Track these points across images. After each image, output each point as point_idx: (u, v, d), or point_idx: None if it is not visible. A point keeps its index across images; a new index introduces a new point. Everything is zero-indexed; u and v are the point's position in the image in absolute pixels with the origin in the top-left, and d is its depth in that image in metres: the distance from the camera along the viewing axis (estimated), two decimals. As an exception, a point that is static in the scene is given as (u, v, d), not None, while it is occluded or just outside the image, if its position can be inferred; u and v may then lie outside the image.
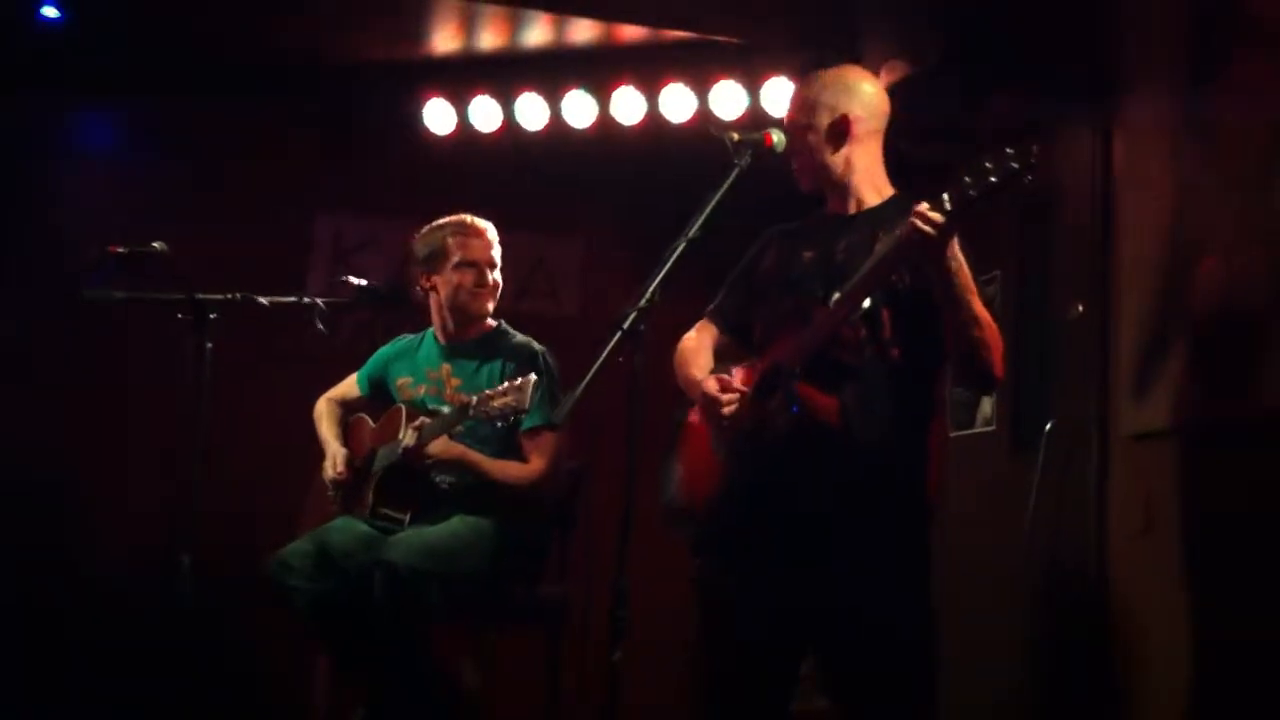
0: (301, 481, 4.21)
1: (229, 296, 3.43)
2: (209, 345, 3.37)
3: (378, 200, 5.60)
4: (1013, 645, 4.21)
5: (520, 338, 4.09)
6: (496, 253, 4.08)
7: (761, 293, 3.16)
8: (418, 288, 4.10)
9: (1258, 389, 3.20)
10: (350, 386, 4.27)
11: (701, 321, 3.29)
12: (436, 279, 4.05)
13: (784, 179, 3.16)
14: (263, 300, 3.53)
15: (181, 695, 3.31)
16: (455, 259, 4.03)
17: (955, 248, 2.79)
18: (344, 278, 3.88)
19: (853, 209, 3.08)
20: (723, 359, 3.20)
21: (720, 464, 3.06)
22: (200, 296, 3.39)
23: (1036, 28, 4.08)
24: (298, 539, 3.82)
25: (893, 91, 3.30)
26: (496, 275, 4.08)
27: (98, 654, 4.90)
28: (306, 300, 3.70)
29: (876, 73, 4.24)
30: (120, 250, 3.47)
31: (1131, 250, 3.86)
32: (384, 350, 4.24)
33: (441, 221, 4.09)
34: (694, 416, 3.17)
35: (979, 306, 2.84)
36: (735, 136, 3.05)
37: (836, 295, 2.88)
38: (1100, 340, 3.97)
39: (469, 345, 4.08)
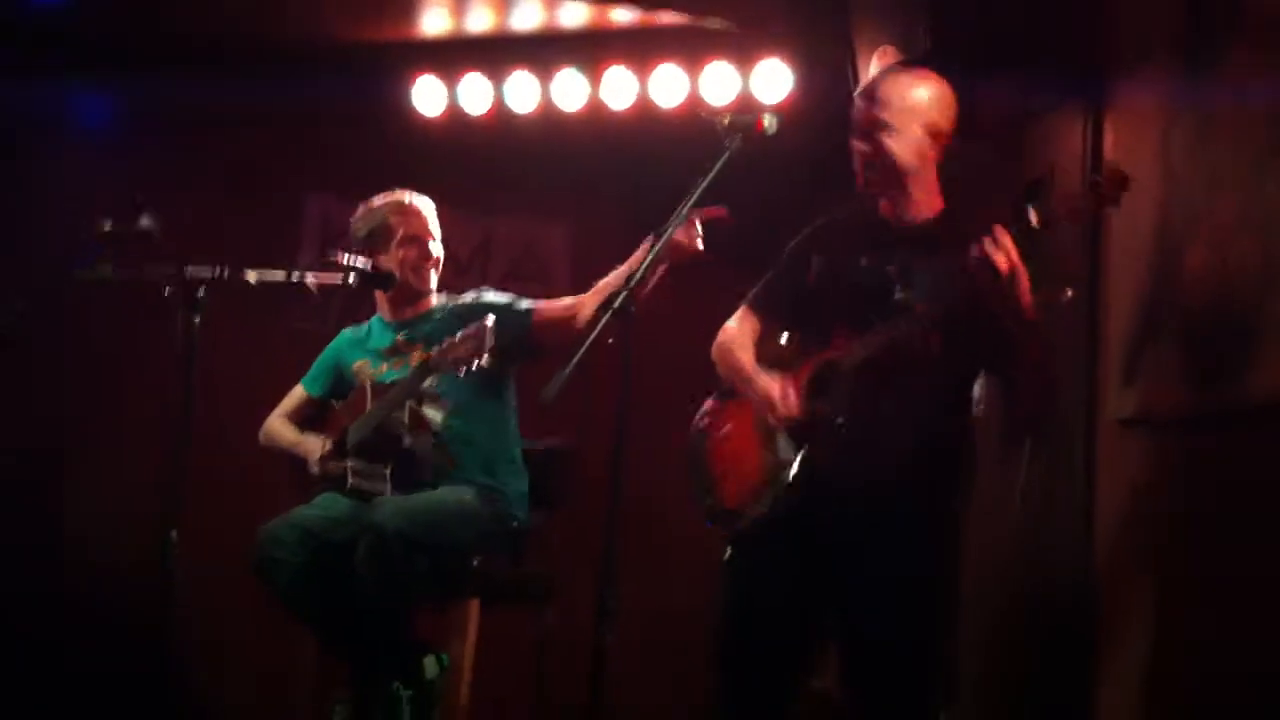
0: (289, 457, 4.21)
1: (217, 272, 3.42)
2: (197, 321, 3.36)
3: (367, 180, 5.54)
4: (998, 629, 4.22)
5: (467, 295, 4.15)
6: (436, 227, 4.14)
7: (812, 294, 3.16)
8: None
9: (1248, 378, 3.20)
10: (296, 398, 4.26)
11: (742, 310, 3.29)
12: (381, 257, 4.07)
13: (775, 167, 3.16)
14: (251, 276, 3.52)
15: (166, 670, 3.30)
16: (399, 234, 4.09)
17: (1024, 287, 2.78)
18: (333, 256, 3.87)
19: (911, 218, 3.09)
20: (767, 355, 3.21)
21: (761, 458, 3.07)
22: (189, 272, 3.38)
23: (1030, 13, 4.08)
24: (282, 515, 3.82)
25: (884, 77, 3.29)
26: (438, 248, 4.14)
27: (85, 627, 4.90)
28: (295, 277, 3.69)
29: (869, 58, 4.25)
30: (108, 228, 3.46)
31: (1122, 237, 3.86)
32: (330, 346, 4.27)
33: (379, 201, 4.17)
34: (710, 404, 3.18)
35: (1044, 348, 2.90)
36: (726, 120, 3.05)
37: (917, 307, 2.90)
38: (1090, 326, 3.97)
39: (418, 319, 4.13)
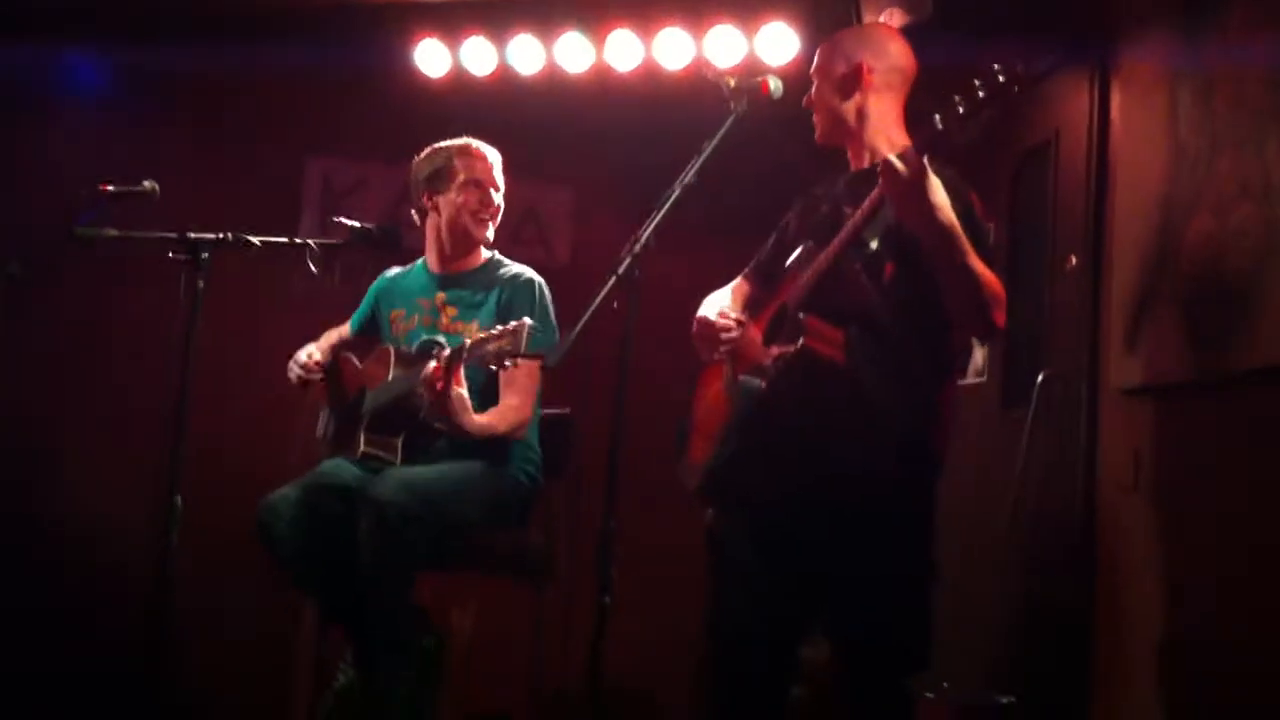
0: (294, 423, 4.20)
1: (220, 236, 3.40)
2: (201, 285, 3.35)
3: (369, 143, 5.56)
4: (1000, 597, 4.23)
5: (516, 267, 4.06)
6: (500, 177, 4.06)
7: (787, 249, 3.16)
8: (416, 210, 4.09)
9: (1249, 344, 3.20)
10: (344, 329, 4.27)
11: (737, 280, 3.33)
12: (440, 199, 4.02)
13: (785, 132, 3.16)
14: (254, 240, 3.50)
15: (168, 640, 3.31)
16: (460, 178, 4.01)
17: (934, 198, 2.75)
18: (337, 219, 3.84)
19: (867, 161, 3.08)
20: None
21: (728, 407, 3.06)
22: (192, 235, 3.37)
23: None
24: (287, 483, 3.81)
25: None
26: (499, 199, 4.06)
27: (82, 601, 4.90)
28: (298, 241, 3.67)
29: (875, 20, 4.22)
30: (111, 189, 3.44)
31: (1126, 203, 3.85)
32: (374, 286, 4.22)
33: (446, 143, 4.07)
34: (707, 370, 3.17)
35: (971, 261, 2.81)
36: (731, 82, 3.05)
37: (854, 227, 2.89)
38: (1093, 293, 3.97)
39: (464, 275, 4.06)
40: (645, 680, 4.87)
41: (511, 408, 3.85)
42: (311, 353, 4.11)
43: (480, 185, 4.01)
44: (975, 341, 4.46)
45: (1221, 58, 3.42)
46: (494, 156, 4.06)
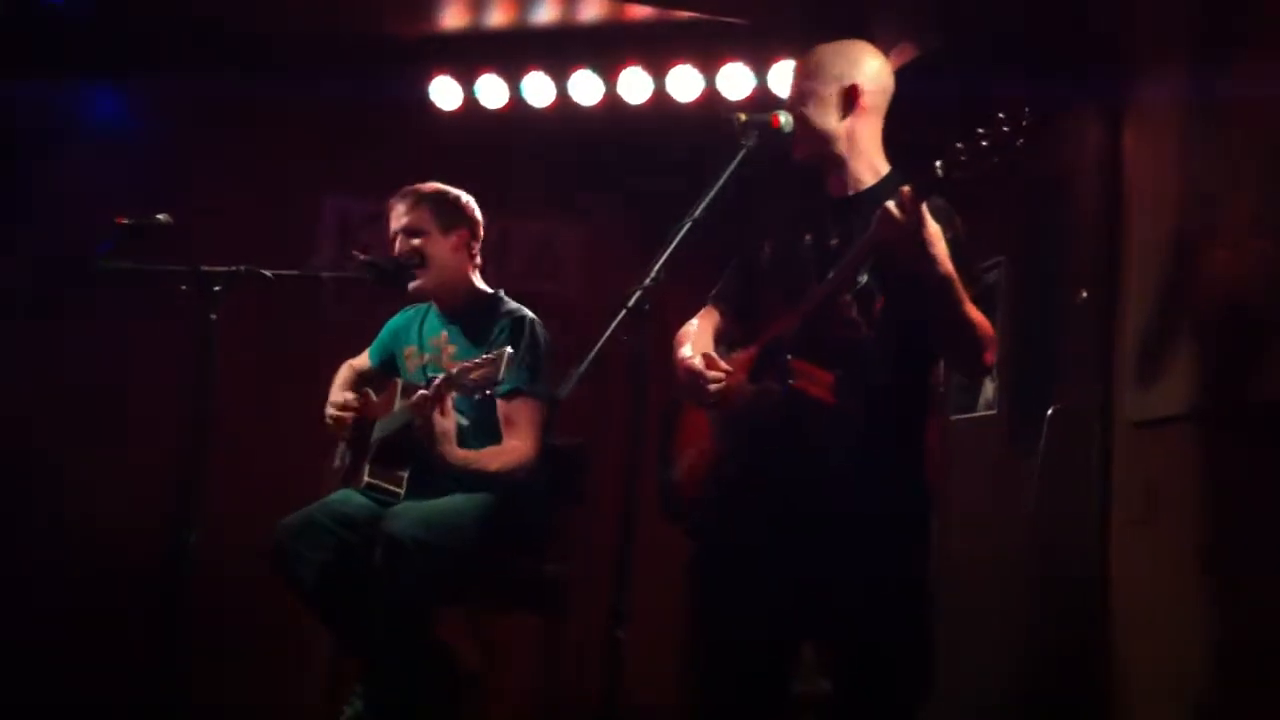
0: (306, 453, 4.22)
1: (234, 269, 3.42)
2: (213, 318, 3.36)
3: (383, 177, 5.57)
4: (1012, 631, 4.21)
5: (512, 305, 4.09)
6: (403, 219, 4.06)
7: (762, 277, 3.15)
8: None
9: (1263, 378, 3.19)
10: (364, 358, 4.30)
11: (705, 309, 3.27)
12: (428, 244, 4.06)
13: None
14: (268, 274, 3.52)
15: (183, 666, 3.31)
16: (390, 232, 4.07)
17: (932, 249, 2.73)
18: (351, 253, 3.86)
19: (850, 189, 3.06)
20: (728, 345, 3.18)
21: (715, 446, 3.06)
22: (205, 269, 3.39)
23: (1046, 10, 4.07)
24: (300, 511, 3.82)
25: (901, 74, 3.29)
26: (412, 241, 4.03)
27: (94, 631, 4.91)
28: (311, 275, 3.69)
29: (886, 54, 4.24)
30: (126, 221, 3.47)
31: (1140, 236, 3.85)
32: (391, 322, 4.26)
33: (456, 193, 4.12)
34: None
35: (965, 308, 2.80)
36: (742, 117, 3.03)
37: (829, 276, 2.88)
38: (1105, 325, 3.96)
39: (464, 315, 4.09)
40: (664, 715, 4.86)
41: (511, 449, 3.87)
42: (347, 397, 4.12)
43: (395, 237, 4.05)
44: (965, 376, 4.44)
45: (1235, 92, 3.43)
46: (394, 204, 4.07)
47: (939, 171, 2.66)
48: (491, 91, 5.39)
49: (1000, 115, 2.62)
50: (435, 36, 5.34)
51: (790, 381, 2.86)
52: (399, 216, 4.05)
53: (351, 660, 3.91)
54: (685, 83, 5.16)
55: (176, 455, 3.36)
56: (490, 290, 4.14)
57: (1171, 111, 3.71)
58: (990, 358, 2.88)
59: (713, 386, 2.99)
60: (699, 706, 3.07)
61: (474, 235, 4.12)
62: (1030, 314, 4.34)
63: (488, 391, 3.60)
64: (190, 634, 3.29)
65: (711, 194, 2.90)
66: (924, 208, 2.69)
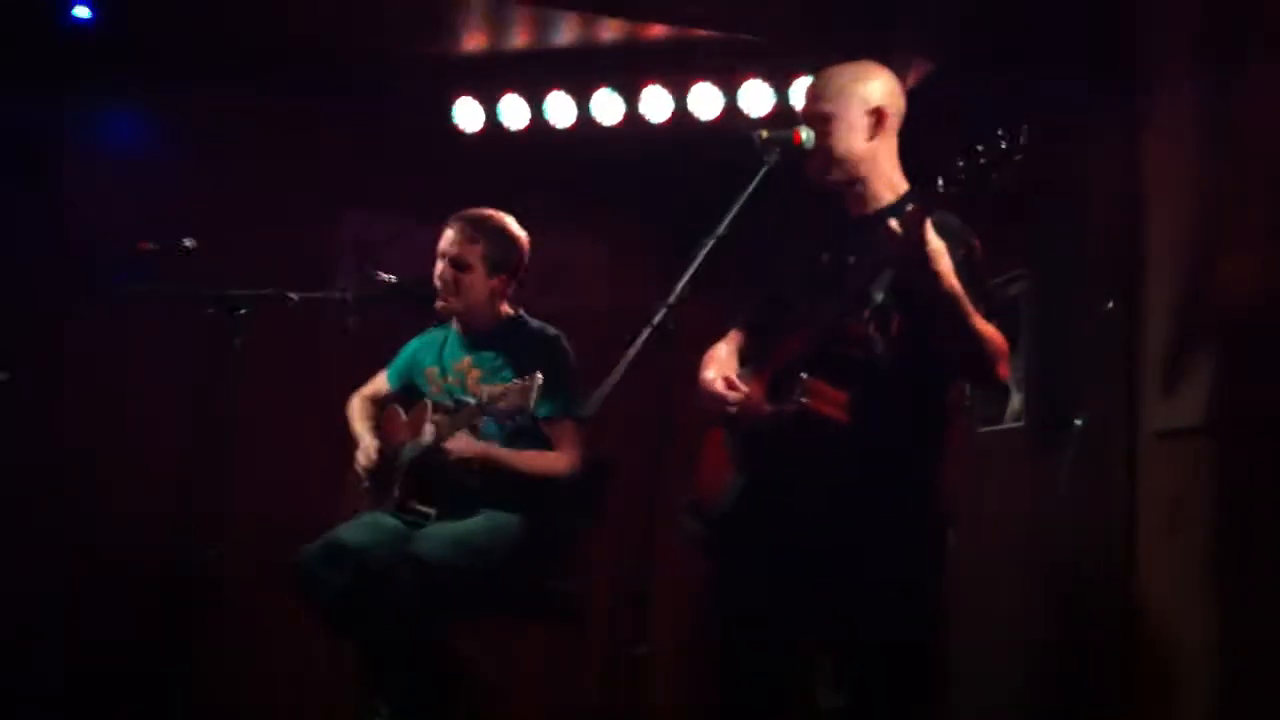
0: (330, 475, 4.22)
1: (258, 292, 3.44)
2: (237, 341, 3.38)
3: (406, 198, 5.61)
4: (1038, 643, 4.20)
5: (535, 324, 4.10)
6: (448, 245, 4.04)
7: (784, 299, 3.17)
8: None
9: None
10: (380, 382, 4.29)
11: (730, 332, 3.30)
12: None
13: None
14: (292, 296, 3.54)
15: (206, 686, 3.32)
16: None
17: (937, 265, 2.74)
18: (374, 274, 3.88)
19: (870, 208, 3.08)
20: (754, 366, 3.18)
21: (731, 465, 3.06)
22: (229, 292, 3.41)
23: (1063, 25, 4.07)
24: (324, 536, 3.83)
25: (918, 91, 3.30)
26: (449, 268, 4.03)
27: (110, 652, 4.91)
28: (335, 296, 3.71)
29: (905, 71, 4.24)
30: (151, 246, 3.50)
31: (1161, 247, 3.84)
32: (411, 344, 4.27)
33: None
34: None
35: (974, 322, 2.81)
36: (764, 134, 3.05)
37: (843, 294, 2.90)
38: (1129, 337, 3.95)
39: (485, 336, 4.09)
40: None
41: (555, 456, 3.91)
42: (370, 453, 4.10)
43: (440, 256, 4.04)
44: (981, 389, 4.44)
45: (1252, 103, 3.43)
46: (451, 226, 4.05)
47: (940, 188, 2.68)
48: (513, 112, 5.41)
49: (999, 132, 2.64)
50: (458, 58, 5.36)
51: (803, 400, 2.87)
52: (450, 243, 4.03)
53: (374, 679, 3.91)
54: (706, 100, 5.18)
55: (201, 478, 3.37)
56: (512, 312, 4.14)
57: (1189, 124, 3.71)
58: (1004, 371, 2.89)
59: (731, 408, 3.01)
60: (712, 715, 3.07)
61: (517, 280, 4.11)
62: (1055, 326, 4.33)
63: (516, 419, 3.60)
64: (206, 658, 3.30)
65: (734, 211, 2.91)
66: (928, 224, 2.70)
